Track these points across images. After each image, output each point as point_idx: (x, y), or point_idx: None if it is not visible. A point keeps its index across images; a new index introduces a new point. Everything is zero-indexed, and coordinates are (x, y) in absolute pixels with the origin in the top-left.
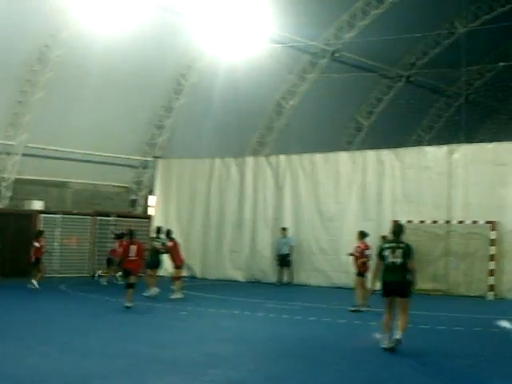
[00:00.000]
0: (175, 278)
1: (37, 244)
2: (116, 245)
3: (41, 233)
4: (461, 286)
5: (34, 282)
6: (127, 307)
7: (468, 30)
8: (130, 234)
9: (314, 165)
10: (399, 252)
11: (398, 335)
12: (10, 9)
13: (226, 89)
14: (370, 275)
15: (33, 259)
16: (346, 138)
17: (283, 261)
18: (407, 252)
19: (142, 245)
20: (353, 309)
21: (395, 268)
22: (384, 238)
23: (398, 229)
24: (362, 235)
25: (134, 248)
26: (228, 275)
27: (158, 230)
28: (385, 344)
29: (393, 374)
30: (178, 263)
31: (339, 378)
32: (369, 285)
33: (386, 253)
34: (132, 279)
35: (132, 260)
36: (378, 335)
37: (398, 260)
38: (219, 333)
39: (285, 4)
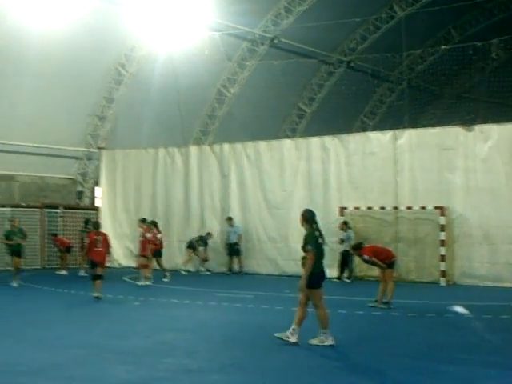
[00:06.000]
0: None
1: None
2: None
3: None
4: (412, 273)
5: None
6: (97, 297)
7: (408, 13)
8: (96, 225)
9: (258, 153)
10: (322, 240)
11: (331, 340)
12: None
13: (166, 78)
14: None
15: None
16: (289, 125)
17: (232, 250)
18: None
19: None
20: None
21: (324, 256)
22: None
23: (313, 215)
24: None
25: (101, 239)
26: (178, 265)
27: (87, 221)
28: (294, 339)
29: (349, 360)
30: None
31: (294, 364)
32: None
33: (320, 240)
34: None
35: (99, 251)
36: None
37: (324, 247)
38: (173, 322)
39: None
